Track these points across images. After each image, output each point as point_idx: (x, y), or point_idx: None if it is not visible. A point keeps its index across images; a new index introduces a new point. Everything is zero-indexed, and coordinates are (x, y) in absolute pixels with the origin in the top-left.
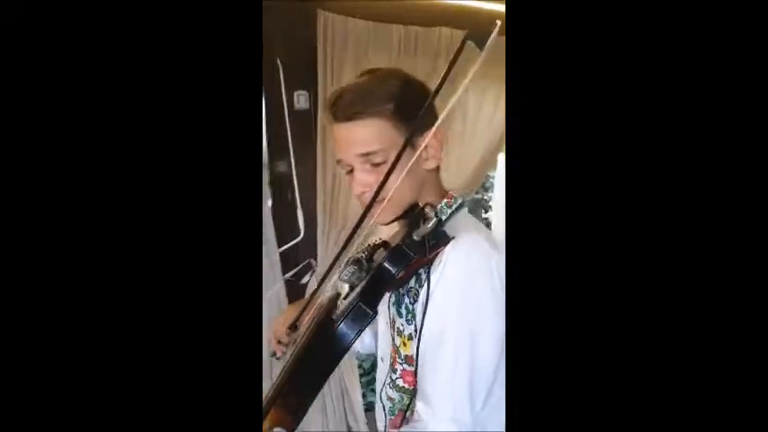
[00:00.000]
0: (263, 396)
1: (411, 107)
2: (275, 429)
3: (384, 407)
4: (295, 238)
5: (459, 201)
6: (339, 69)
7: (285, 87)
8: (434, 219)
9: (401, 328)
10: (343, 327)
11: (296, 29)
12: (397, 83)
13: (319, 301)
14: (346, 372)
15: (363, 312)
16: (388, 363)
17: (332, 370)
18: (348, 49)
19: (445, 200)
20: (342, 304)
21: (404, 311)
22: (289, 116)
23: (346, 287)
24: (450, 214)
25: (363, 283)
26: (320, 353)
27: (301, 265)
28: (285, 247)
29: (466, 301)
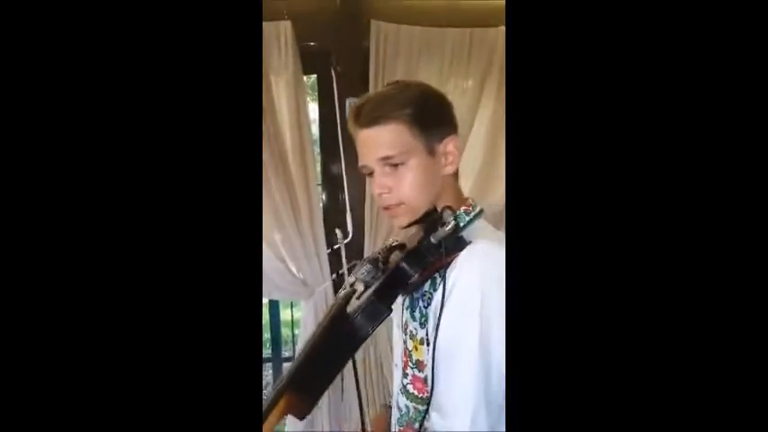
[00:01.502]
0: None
1: (429, 114)
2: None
3: (396, 414)
4: (344, 239)
5: (478, 208)
6: (391, 77)
7: (338, 95)
8: (452, 223)
9: (413, 332)
10: (358, 319)
11: (353, 40)
12: (417, 91)
13: (335, 297)
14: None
15: (378, 309)
16: (400, 368)
17: (344, 364)
18: (399, 57)
19: (463, 207)
20: (356, 302)
21: (417, 315)
22: (340, 123)
23: (361, 287)
24: (469, 221)
25: (379, 282)
26: (335, 346)
27: (348, 266)
28: (334, 247)
29: (480, 308)
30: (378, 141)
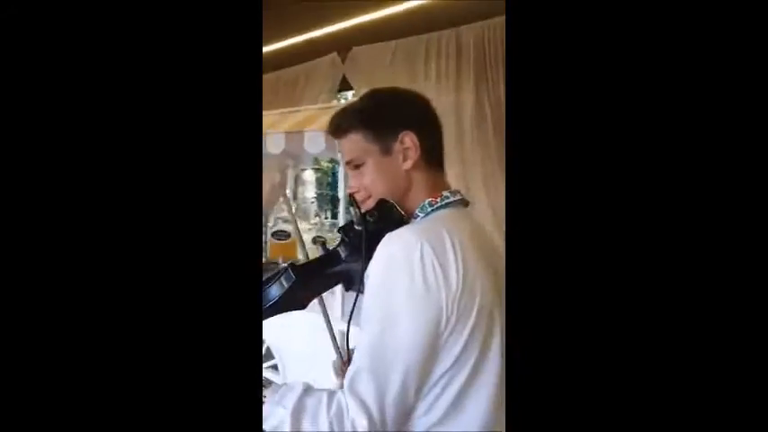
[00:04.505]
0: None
1: (380, 118)
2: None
3: None
4: None
5: (450, 200)
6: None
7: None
8: (352, 207)
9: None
10: (269, 288)
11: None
12: (372, 99)
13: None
14: None
15: (288, 277)
16: None
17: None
18: None
19: (429, 198)
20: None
21: None
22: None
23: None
24: (431, 211)
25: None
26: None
27: None
28: None
29: (379, 291)
30: (343, 149)
